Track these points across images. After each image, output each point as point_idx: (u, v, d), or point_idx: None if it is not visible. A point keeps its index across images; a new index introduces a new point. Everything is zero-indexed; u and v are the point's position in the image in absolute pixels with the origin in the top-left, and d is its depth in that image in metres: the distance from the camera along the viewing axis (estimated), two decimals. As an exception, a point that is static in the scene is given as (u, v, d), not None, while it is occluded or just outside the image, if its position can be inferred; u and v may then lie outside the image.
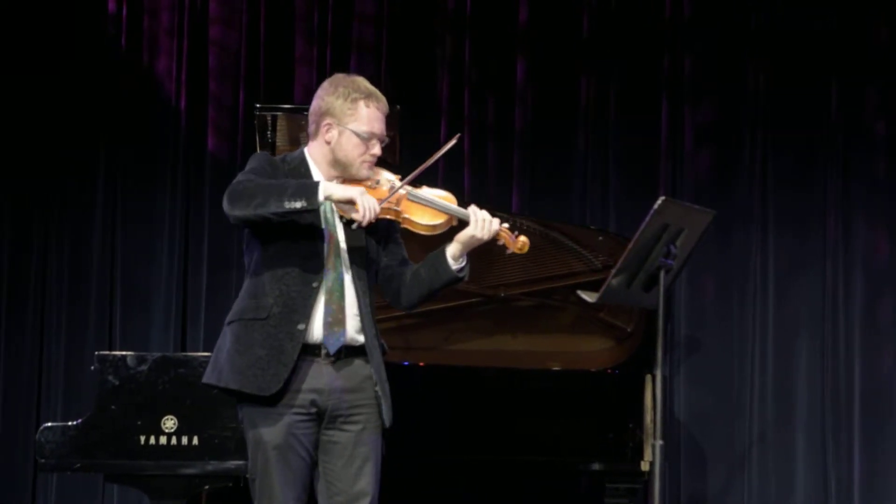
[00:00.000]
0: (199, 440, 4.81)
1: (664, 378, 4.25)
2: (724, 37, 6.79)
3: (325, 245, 3.95)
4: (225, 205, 3.89)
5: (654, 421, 5.08)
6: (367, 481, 3.98)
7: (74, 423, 4.85)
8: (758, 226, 6.68)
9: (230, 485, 4.91)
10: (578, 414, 5.21)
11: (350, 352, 3.98)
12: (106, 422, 4.84)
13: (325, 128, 4.01)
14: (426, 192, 3.99)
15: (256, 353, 3.92)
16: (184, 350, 6.78)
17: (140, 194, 7.01)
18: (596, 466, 5.19)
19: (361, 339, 3.98)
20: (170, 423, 4.80)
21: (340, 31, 6.98)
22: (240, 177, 3.95)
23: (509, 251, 3.99)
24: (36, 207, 7.04)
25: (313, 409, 3.97)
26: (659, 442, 4.21)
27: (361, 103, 3.99)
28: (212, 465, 4.81)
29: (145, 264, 6.96)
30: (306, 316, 3.92)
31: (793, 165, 6.71)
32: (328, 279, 3.95)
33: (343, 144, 4.00)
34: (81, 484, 6.74)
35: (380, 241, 4.07)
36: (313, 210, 3.81)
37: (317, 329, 3.94)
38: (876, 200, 6.62)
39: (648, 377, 5.24)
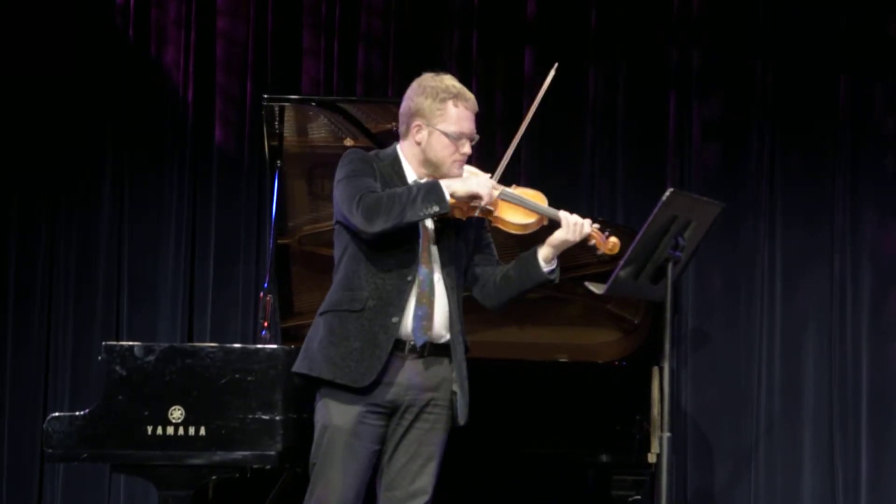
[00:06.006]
0: (207, 431, 4.80)
1: (671, 370, 4.24)
2: (732, 31, 6.78)
3: (420, 240, 3.98)
4: (359, 221, 3.87)
5: (661, 413, 5.06)
6: (427, 480, 4.01)
7: (82, 413, 4.83)
8: (766, 220, 6.67)
9: (237, 476, 4.91)
10: (585, 406, 5.20)
11: (434, 350, 4.00)
12: (113, 412, 4.82)
13: (415, 129, 4.02)
14: (517, 191, 4.03)
15: (351, 345, 3.93)
16: (190, 341, 6.79)
17: (147, 186, 7.01)
18: (603, 458, 5.18)
19: (447, 336, 4.01)
20: (177, 413, 4.79)
21: (348, 23, 6.98)
22: (352, 185, 3.93)
23: (599, 252, 4.03)
24: (43, 199, 7.05)
25: (389, 403, 3.97)
26: (666, 434, 4.21)
27: (450, 103, 4.01)
28: (219, 456, 4.79)
29: (152, 256, 6.97)
30: (401, 309, 3.94)
31: (801, 160, 6.70)
32: (421, 274, 3.97)
33: (433, 145, 4.02)
34: (88, 474, 6.76)
35: (469, 240, 4.09)
36: (446, 211, 3.87)
37: (408, 323, 3.96)
38: (884, 195, 6.61)
39: (655, 369, 5.23)
